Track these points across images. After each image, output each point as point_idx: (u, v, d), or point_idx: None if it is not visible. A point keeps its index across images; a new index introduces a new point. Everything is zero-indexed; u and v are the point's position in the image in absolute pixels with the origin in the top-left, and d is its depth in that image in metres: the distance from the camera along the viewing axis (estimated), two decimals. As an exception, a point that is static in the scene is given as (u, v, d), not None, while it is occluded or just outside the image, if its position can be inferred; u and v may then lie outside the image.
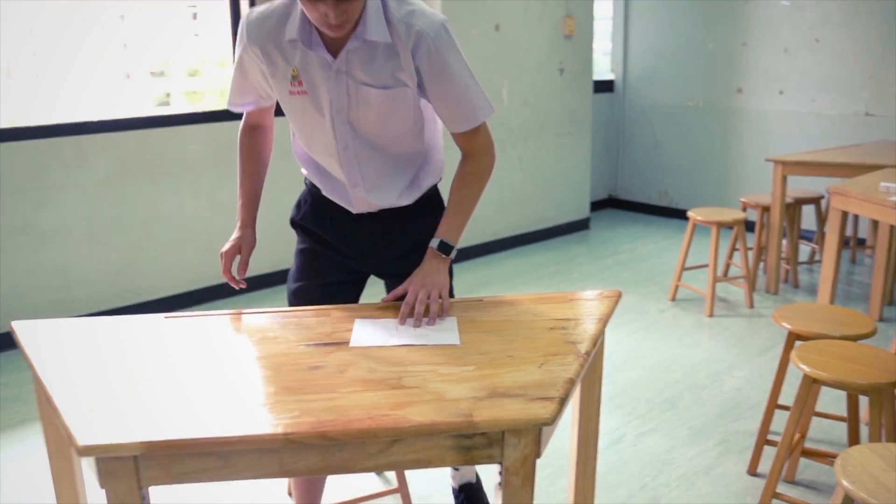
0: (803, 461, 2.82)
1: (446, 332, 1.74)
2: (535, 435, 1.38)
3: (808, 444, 2.87)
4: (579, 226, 6.31)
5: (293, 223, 2.16)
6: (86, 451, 1.27)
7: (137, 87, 4.90)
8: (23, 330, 1.78)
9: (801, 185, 5.21)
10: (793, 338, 2.57)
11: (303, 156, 2.08)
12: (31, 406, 3.35)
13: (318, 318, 1.84)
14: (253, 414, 1.38)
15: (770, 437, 2.78)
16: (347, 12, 1.65)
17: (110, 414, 1.38)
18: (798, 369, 2.27)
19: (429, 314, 1.80)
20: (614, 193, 7.12)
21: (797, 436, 2.61)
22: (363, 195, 1.97)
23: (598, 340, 1.74)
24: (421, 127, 1.98)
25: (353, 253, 2.09)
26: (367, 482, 2.74)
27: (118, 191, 4.21)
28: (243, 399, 1.45)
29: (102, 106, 4.37)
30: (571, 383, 1.49)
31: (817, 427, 3.07)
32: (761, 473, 2.76)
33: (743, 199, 4.81)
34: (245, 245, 2.11)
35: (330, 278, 2.10)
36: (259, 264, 4.18)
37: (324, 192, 2.05)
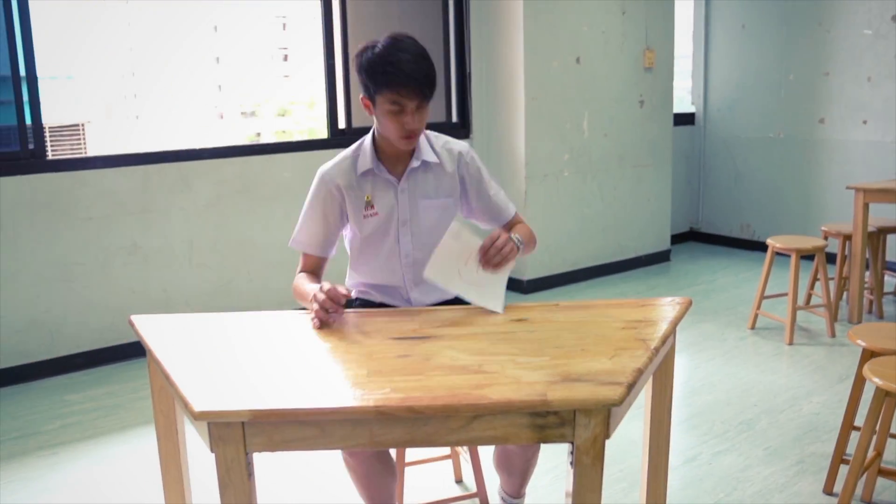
0: (882, 481, 2.80)
1: (494, 298, 2.06)
2: (604, 416, 1.49)
3: (886, 465, 2.86)
4: (660, 258, 6.34)
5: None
6: (201, 415, 1.44)
7: (230, 126, 5.22)
8: (140, 322, 2.00)
9: (884, 215, 5.14)
10: (868, 355, 2.59)
11: (358, 284, 2.38)
12: (133, 413, 3.60)
13: (405, 317, 2.01)
14: (347, 390, 1.54)
15: (846, 457, 2.78)
16: (422, 120, 2.11)
17: (221, 387, 1.56)
18: (871, 384, 2.30)
19: (495, 262, 2.09)
20: (696, 226, 7.12)
21: (873, 453, 2.61)
22: (419, 297, 2.31)
23: (667, 339, 1.84)
24: None
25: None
26: (446, 487, 2.85)
27: (217, 215, 4.49)
28: (339, 378, 1.61)
29: (198, 144, 4.68)
30: (640, 373, 1.59)
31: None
32: (837, 493, 2.76)
33: (824, 228, 4.79)
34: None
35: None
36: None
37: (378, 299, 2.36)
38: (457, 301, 2.26)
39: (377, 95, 2.08)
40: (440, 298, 2.33)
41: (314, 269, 2.33)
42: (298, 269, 2.34)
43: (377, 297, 2.34)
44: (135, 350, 4.26)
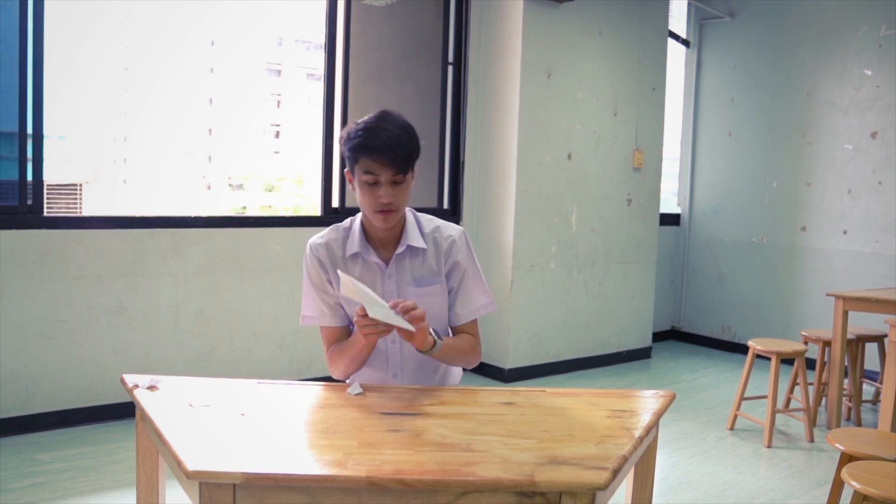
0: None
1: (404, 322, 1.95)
2: (589, 499, 1.51)
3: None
4: (641, 354, 6.38)
5: None
6: (194, 475, 1.45)
7: (217, 198, 5.32)
8: (132, 381, 2.01)
9: (863, 323, 5.24)
10: (846, 458, 2.62)
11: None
12: (107, 476, 3.55)
13: (394, 394, 2.03)
14: (339, 459, 1.55)
15: (823, 561, 2.78)
16: (398, 196, 2.08)
17: (213, 449, 1.58)
18: (850, 487, 2.33)
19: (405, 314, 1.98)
20: (677, 325, 7.20)
21: (850, 560, 2.62)
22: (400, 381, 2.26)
23: (651, 430, 1.88)
24: (448, 330, 2.33)
25: None
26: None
27: (205, 282, 4.51)
28: (330, 447, 1.63)
29: (186, 212, 4.75)
30: (625, 460, 1.63)
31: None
32: None
33: (804, 333, 4.87)
34: None
35: None
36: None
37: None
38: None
39: (355, 166, 2.07)
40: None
41: (335, 340, 2.27)
42: (326, 347, 2.27)
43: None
44: (112, 412, 4.22)
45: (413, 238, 2.20)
